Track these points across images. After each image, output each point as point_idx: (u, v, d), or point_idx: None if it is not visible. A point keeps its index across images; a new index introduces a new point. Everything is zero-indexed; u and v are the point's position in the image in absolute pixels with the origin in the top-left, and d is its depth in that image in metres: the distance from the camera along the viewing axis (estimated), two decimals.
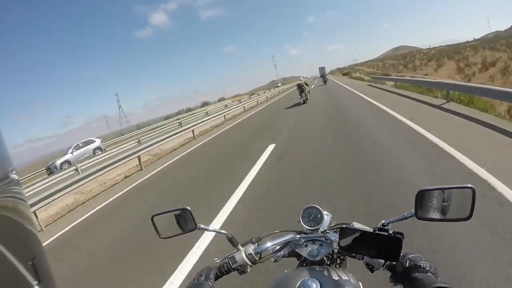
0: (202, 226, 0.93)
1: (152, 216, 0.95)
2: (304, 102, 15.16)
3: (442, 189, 0.73)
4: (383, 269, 0.77)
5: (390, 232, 0.70)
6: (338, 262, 0.95)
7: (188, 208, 0.93)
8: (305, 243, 0.91)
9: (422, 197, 0.74)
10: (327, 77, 38.16)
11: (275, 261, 0.93)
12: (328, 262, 0.92)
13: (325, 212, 0.96)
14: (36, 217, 5.75)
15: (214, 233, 0.98)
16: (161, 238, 0.96)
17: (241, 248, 0.92)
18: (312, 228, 0.92)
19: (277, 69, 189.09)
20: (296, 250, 0.92)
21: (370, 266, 0.78)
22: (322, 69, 64.16)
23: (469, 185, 0.70)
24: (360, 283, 0.79)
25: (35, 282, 0.38)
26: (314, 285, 0.73)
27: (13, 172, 0.39)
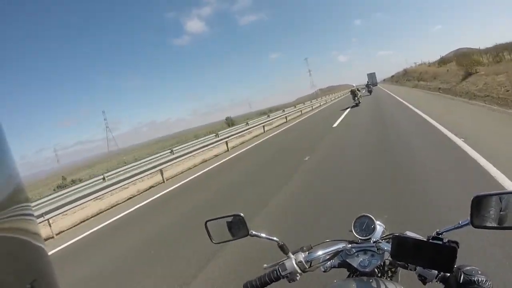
0: (254, 232, 0.95)
1: (206, 222, 0.99)
2: (357, 105, 18.59)
3: (499, 194, 0.70)
4: (436, 281, 0.75)
5: (445, 241, 0.68)
6: (389, 274, 0.92)
7: (242, 214, 0.96)
8: (356, 253, 0.90)
9: (478, 204, 0.71)
10: (371, 87, 29.68)
11: (324, 271, 0.93)
12: (379, 274, 0.89)
13: (377, 222, 0.94)
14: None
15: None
16: (214, 243, 1.00)
17: (291, 255, 0.91)
18: (364, 238, 0.91)
19: (312, 76, 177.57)
20: (347, 260, 0.90)
21: (423, 278, 0.76)
22: (371, 76, 56.14)
23: None
24: None
25: None
26: None
27: (21, 188, 0.38)
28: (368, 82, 35.42)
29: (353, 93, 19.29)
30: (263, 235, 0.95)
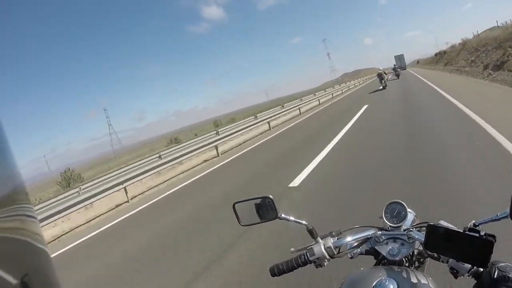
0: (283, 215, 0.94)
1: (234, 204, 0.98)
2: (384, 88, 18.50)
3: None
4: (468, 276, 0.71)
5: (482, 233, 0.65)
6: (416, 264, 0.89)
7: (271, 196, 0.94)
8: (385, 241, 0.87)
9: None
10: (399, 71, 27.04)
11: (351, 258, 0.91)
12: (407, 264, 0.87)
13: (409, 210, 0.91)
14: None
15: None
16: (242, 225, 0.99)
17: (320, 240, 0.90)
18: (395, 225, 0.88)
19: (331, 59, 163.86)
20: (376, 247, 0.88)
21: (455, 271, 0.73)
22: (399, 59, 47.46)
23: None
24: None
25: None
26: (391, 286, 0.70)
27: (22, 188, 0.38)
28: (395, 65, 31.88)
29: (380, 76, 19.76)
30: (291, 218, 0.94)
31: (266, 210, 0.96)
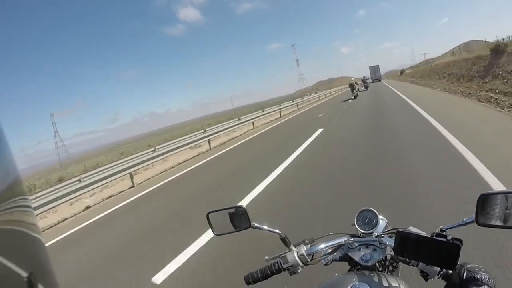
0: (256, 224, 0.94)
1: (208, 213, 0.98)
2: (355, 98, 19.53)
3: (505, 193, 0.70)
4: (438, 278, 0.75)
5: (449, 238, 0.68)
6: (390, 269, 0.92)
7: (244, 206, 0.95)
8: (358, 247, 0.90)
9: (484, 202, 0.70)
10: (368, 83, 27.03)
11: (325, 264, 0.93)
12: (380, 269, 0.90)
13: (380, 217, 0.93)
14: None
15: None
16: (215, 234, 0.99)
17: (293, 248, 0.92)
18: (367, 232, 0.90)
19: (299, 66, 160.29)
20: (349, 254, 0.90)
21: (425, 274, 0.76)
22: (374, 70, 45.34)
23: None
24: None
25: None
26: None
27: (19, 180, 0.38)
28: (364, 77, 29.53)
29: (351, 86, 21.01)
30: (265, 227, 0.95)
31: (239, 219, 0.96)
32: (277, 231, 0.94)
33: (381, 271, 0.89)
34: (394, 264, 0.92)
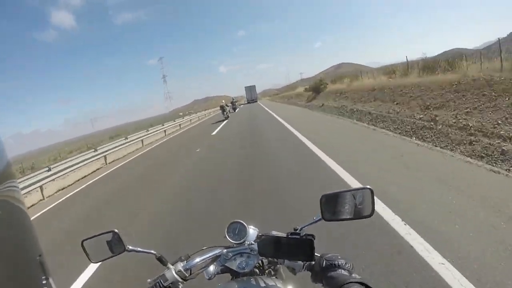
0: (130, 247, 0.94)
1: (82, 241, 0.93)
2: (226, 119, 21.10)
3: (343, 192, 0.82)
4: (304, 270, 0.85)
5: (302, 234, 0.79)
6: (272, 273, 0.99)
7: (116, 230, 0.93)
8: (233, 257, 0.94)
9: (326, 201, 0.83)
10: (236, 105, 29.38)
11: (209, 279, 0.94)
12: (260, 273, 0.95)
13: (251, 227, 0.99)
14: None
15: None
16: (92, 262, 0.95)
17: (170, 266, 0.93)
18: (238, 242, 0.95)
19: (167, 83, 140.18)
20: (226, 264, 0.95)
21: (292, 269, 0.87)
22: (250, 89, 44.38)
23: (368, 186, 0.79)
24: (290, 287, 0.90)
25: (43, 277, 0.43)
26: None
27: (8, 166, 0.40)
28: (233, 99, 31.31)
29: (222, 108, 23.49)
30: (139, 249, 0.95)
31: (114, 244, 0.94)
32: (152, 251, 0.94)
33: (261, 275, 0.95)
34: (273, 267, 0.99)
